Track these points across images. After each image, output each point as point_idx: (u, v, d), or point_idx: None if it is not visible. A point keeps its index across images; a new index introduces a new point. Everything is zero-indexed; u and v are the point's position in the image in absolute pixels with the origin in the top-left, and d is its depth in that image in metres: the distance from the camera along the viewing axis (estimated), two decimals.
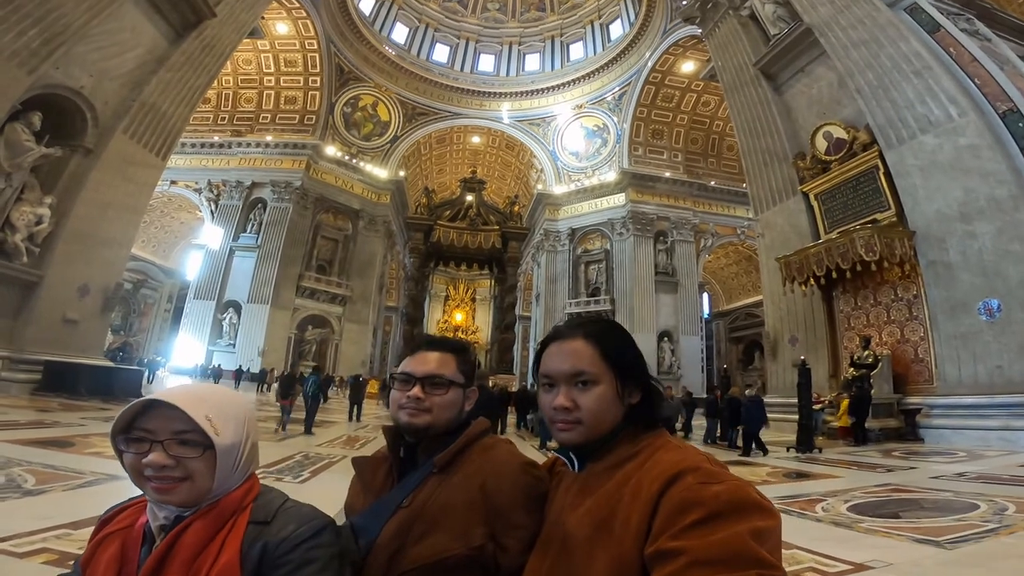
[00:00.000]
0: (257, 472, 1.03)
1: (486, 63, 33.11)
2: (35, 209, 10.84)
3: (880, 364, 10.89)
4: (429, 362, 1.19)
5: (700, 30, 18.58)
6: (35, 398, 10.16)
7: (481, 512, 1.05)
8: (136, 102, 12.70)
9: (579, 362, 0.91)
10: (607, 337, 0.94)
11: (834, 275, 11.48)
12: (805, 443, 9.07)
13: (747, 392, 11.59)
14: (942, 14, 11.01)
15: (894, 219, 11.08)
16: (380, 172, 29.80)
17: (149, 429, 0.89)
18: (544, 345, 0.99)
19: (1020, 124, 8.97)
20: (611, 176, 28.71)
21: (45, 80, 10.65)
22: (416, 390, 1.15)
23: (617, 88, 28.98)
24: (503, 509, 1.05)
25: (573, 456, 0.95)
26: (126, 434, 0.90)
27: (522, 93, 31.86)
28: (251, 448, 0.99)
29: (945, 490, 5.44)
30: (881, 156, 11.32)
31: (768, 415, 12.46)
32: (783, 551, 2.44)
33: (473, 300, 48.21)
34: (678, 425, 11.91)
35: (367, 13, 28.39)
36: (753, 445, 9.52)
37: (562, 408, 0.91)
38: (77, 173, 11.81)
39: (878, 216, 11.41)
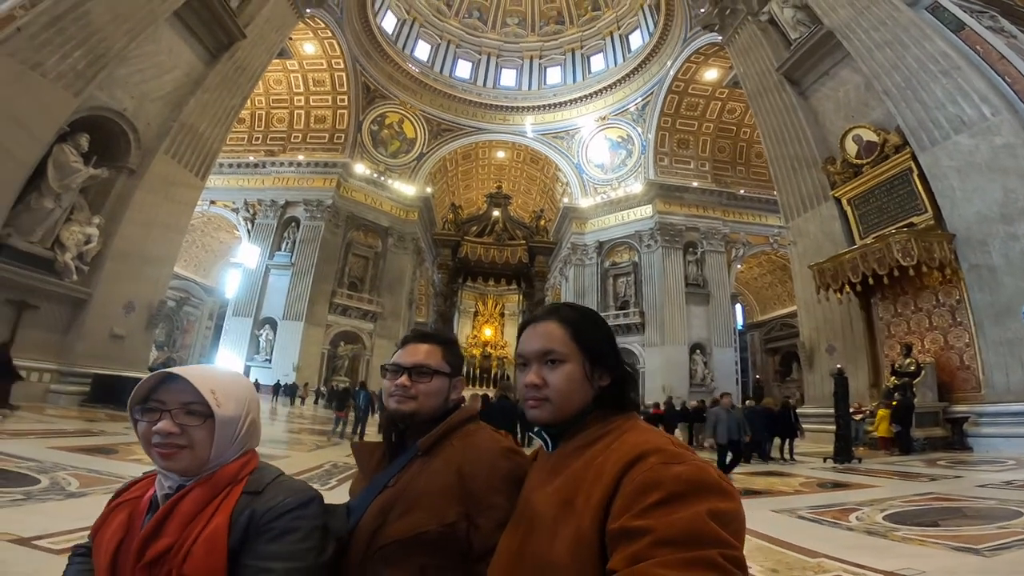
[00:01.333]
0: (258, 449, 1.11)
1: (508, 78, 33.43)
2: (84, 229, 11.33)
3: (924, 372, 10.48)
4: (417, 353, 1.27)
5: (720, 37, 18.44)
6: (84, 409, 10.64)
7: (457, 493, 1.11)
8: (176, 123, 13.25)
9: (549, 342, 0.95)
10: (578, 320, 0.98)
11: (870, 281, 11.06)
12: (843, 453, 8.81)
13: (747, 403, 11.88)
14: (965, 12, 10.71)
15: (931, 222, 10.70)
16: (408, 189, 30.33)
17: (162, 400, 0.98)
18: (522, 329, 1.03)
19: None
20: (637, 188, 28.47)
21: (90, 102, 11.10)
22: (404, 379, 1.23)
23: (640, 98, 28.83)
24: (478, 491, 1.10)
25: (547, 436, 0.98)
26: (143, 404, 0.99)
27: (545, 107, 32.02)
28: (250, 424, 1.06)
29: (990, 498, 5.19)
30: (914, 158, 11.00)
31: (804, 425, 12.38)
32: (810, 559, 2.41)
33: (502, 315, 48.23)
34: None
35: (390, 31, 29.11)
36: (754, 453, 9.84)
37: (531, 385, 0.94)
38: (123, 194, 12.32)
39: (915, 219, 11.05)
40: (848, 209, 12.84)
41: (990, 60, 9.86)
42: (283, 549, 0.93)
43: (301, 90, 27.86)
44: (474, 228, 24.71)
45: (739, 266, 27.99)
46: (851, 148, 12.56)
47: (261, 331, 25.54)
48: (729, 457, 7.84)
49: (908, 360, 10.82)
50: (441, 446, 1.20)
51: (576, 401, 0.93)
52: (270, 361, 24.92)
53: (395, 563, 1.06)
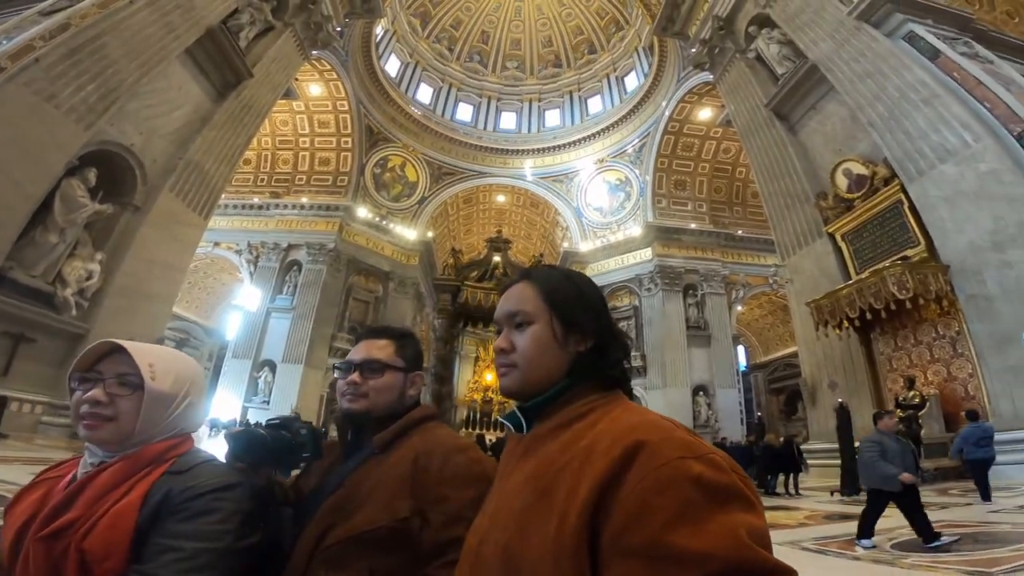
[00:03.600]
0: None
1: (508, 120, 34.21)
2: (86, 265, 11.34)
3: (928, 404, 10.37)
4: (368, 349, 1.25)
5: (711, 76, 18.95)
6: (73, 440, 10.45)
7: (409, 485, 1.06)
8: (182, 160, 13.32)
9: (518, 303, 0.87)
10: (550, 277, 0.90)
11: (868, 316, 11.04)
12: (850, 485, 8.67)
13: (746, 440, 11.75)
14: (939, 39, 10.98)
15: (925, 254, 10.75)
16: (409, 233, 30.64)
17: (100, 371, 0.97)
18: (500, 295, 0.96)
19: None
20: (636, 230, 28.76)
21: (100, 136, 11.16)
22: (354, 376, 1.21)
23: (637, 140, 29.45)
24: (430, 483, 1.06)
25: (520, 415, 0.86)
26: (85, 373, 0.98)
27: (544, 149, 32.63)
28: (187, 407, 1.02)
29: (1003, 523, 5.04)
30: (903, 189, 11.12)
31: (810, 461, 12.28)
32: None
33: None
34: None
35: (393, 74, 29.99)
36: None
37: (500, 350, 0.87)
38: (126, 230, 12.34)
39: (908, 252, 11.10)
40: (842, 245, 12.90)
41: (968, 86, 10.03)
42: (196, 529, 0.88)
43: (306, 131, 28.38)
44: (474, 273, 24.87)
45: (740, 307, 27.90)
46: (841, 182, 12.74)
47: (260, 373, 25.32)
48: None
49: (912, 393, 10.67)
50: (398, 443, 1.16)
51: (545, 367, 0.83)
52: (268, 403, 24.57)
53: (340, 566, 0.99)
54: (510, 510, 0.73)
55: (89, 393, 0.94)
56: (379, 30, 27.77)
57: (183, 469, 0.95)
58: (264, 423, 1.15)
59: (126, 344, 0.96)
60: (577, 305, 0.87)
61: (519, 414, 0.86)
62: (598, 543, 0.60)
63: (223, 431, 18.77)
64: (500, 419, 1.01)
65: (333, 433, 1.70)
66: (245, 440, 1.07)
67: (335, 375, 1.30)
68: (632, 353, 26.95)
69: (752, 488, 0.63)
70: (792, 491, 10.23)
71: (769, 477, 10.58)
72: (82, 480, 0.92)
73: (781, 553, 4.29)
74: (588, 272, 29.94)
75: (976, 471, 7.42)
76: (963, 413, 8.94)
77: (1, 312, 10.03)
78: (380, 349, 1.25)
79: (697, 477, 0.58)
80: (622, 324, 28.45)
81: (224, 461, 1.05)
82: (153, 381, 0.95)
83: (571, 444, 0.73)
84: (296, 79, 21.41)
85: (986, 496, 6.92)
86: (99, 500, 0.89)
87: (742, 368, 29.96)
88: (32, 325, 10.55)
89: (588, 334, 0.85)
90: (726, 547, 0.53)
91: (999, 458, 8.84)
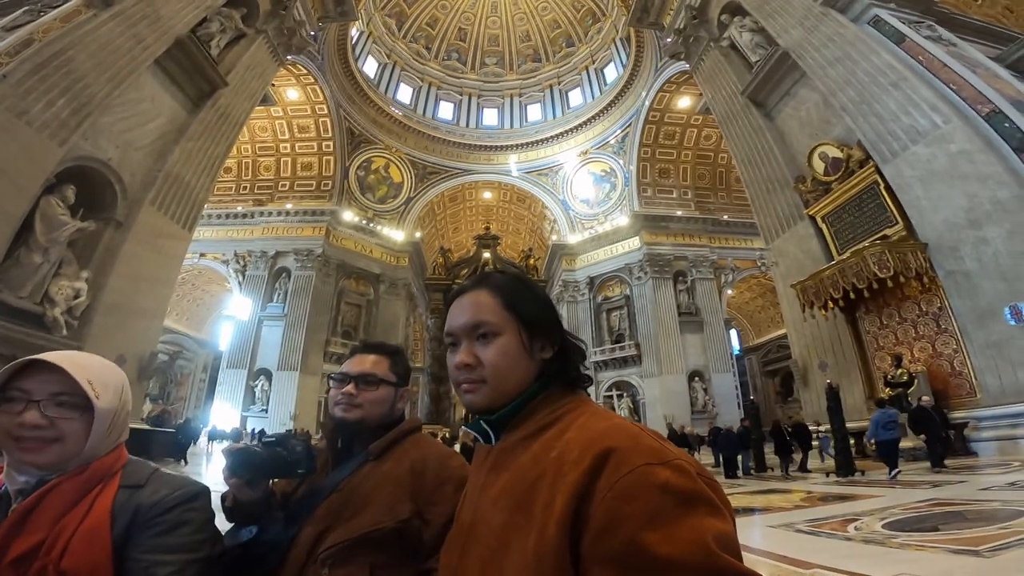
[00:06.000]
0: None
1: (490, 117, 34.10)
2: (73, 283, 11.14)
3: (916, 381, 10.55)
4: (364, 363, 1.32)
5: (688, 65, 18.99)
6: None
7: (408, 489, 1.15)
8: (161, 173, 13.04)
9: (479, 313, 0.83)
10: (510, 285, 0.87)
11: (852, 296, 11.25)
12: (845, 467, 8.74)
13: (741, 424, 12.74)
14: (904, 23, 11.13)
15: (903, 233, 10.94)
16: (397, 235, 30.53)
17: (25, 389, 0.88)
18: (449, 303, 0.90)
19: (1006, 124, 8.88)
20: (623, 220, 28.89)
21: (76, 152, 10.90)
22: (350, 387, 1.27)
23: (619, 131, 29.54)
24: (427, 486, 1.15)
25: (487, 427, 0.84)
26: (0, 394, 0.89)
27: (527, 144, 32.61)
28: (124, 416, 1.00)
29: (993, 500, 5.15)
30: (879, 171, 11.30)
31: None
32: (803, 570, 2.43)
33: None
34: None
35: (371, 76, 29.74)
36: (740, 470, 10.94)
37: (463, 366, 0.81)
38: (110, 246, 12.09)
39: (888, 232, 11.28)
40: (823, 226, 13.09)
41: (933, 69, 10.19)
42: (176, 542, 0.90)
43: (287, 137, 28.06)
44: (464, 271, 24.87)
45: (730, 291, 28.14)
46: (818, 166, 12.90)
47: (256, 382, 25.21)
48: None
49: (900, 370, 10.87)
50: (392, 451, 1.24)
51: (516, 379, 0.81)
52: (267, 411, 24.52)
53: (342, 564, 1.07)
54: (489, 525, 0.72)
55: (24, 417, 0.86)
56: (354, 32, 27.45)
57: (140, 483, 0.95)
58: (261, 440, 1.19)
59: (54, 359, 0.90)
60: (539, 312, 0.85)
61: (485, 425, 0.83)
62: (579, 553, 0.60)
63: (226, 442, 18.73)
64: (465, 428, 0.93)
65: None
66: (241, 457, 1.11)
67: (330, 384, 1.34)
68: (627, 342, 27.36)
69: (720, 493, 0.63)
70: (784, 472, 10.54)
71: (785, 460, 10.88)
72: (32, 500, 0.87)
73: (774, 536, 4.44)
74: (578, 264, 30.18)
75: (884, 451, 8.38)
76: (875, 401, 10.13)
77: None
78: (376, 364, 1.32)
79: (664, 484, 0.58)
80: (615, 314, 28.74)
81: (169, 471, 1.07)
82: (99, 400, 0.91)
83: (541, 456, 0.72)
84: (273, 85, 21.08)
85: (894, 468, 8.00)
86: (60, 520, 0.86)
87: (736, 352, 30.28)
88: (23, 346, 10.33)
89: (551, 340, 0.84)
90: (693, 553, 0.54)
91: (989, 433, 9.11)
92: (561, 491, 0.63)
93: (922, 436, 8.59)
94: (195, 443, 18.31)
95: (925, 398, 9.15)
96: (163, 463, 12.95)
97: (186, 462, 13.77)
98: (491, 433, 0.83)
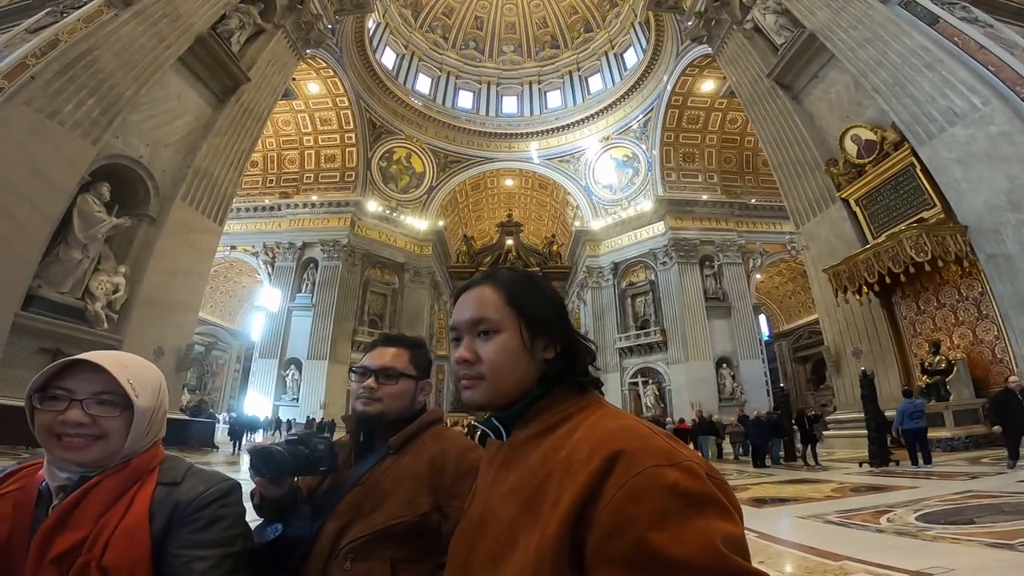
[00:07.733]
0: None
1: (510, 105, 33.77)
2: (111, 278, 11.52)
3: (956, 368, 10.21)
4: (384, 356, 1.33)
5: (710, 48, 18.51)
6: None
7: (427, 483, 1.16)
8: (190, 169, 13.34)
9: (481, 309, 0.82)
10: (515, 282, 0.85)
11: (887, 280, 10.89)
12: (879, 456, 8.55)
13: (756, 414, 12.65)
14: (937, 4, 10.77)
15: (942, 216, 10.55)
16: (420, 224, 30.69)
17: (68, 388, 0.92)
18: (456, 298, 0.90)
19: None
20: (647, 205, 28.41)
21: (108, 150, 11.19)
22: (370, 381, 1.28)
23: (641, 115, 28.98)
24: (447, 480, 1.16)
25: (498, 423, 0.84)
26: (42, 392, 0.92)
27: (548, 131, 32.25)
28: (161, 415, 1.03)
29: None
30: (915, 153, 10.91)
31: (837, 432, 12.41)
32: (832, 562, 2.41)
33: None
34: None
35: (390, 67, 29.78)
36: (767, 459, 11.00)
37: (463, 361, 0.81)
38: (145, 242, 12.44)
39: (924, 214, 10.90)
40: (857, 209, 12.69)
41: (970, 50, 9.85)
42: (213, 537, 0.94)
43: (309, 130, 28.44)
44: (488, 258, 24.85)
45: (759, 276, 27.48)
46: (851, 148, 12.49)
47: (287, 371, 25.89)
48: None
49: (938, 358, 10.53)
50: (412, 444, 1.25)
51: (514, 378, 0.80)
52: (297, 400, 25.20)
53: (364, 558, 1.09)
54: (498, 520, 0.73)
55: (68, 415, 0.90)
56: (371, 24, 27.46)
57: (177, 480, 0.98)
58: (284, 439, 1.22)
59: (96, 359, 0.93)
60: (544, 311, 0.83)
61: (496, 422, 0.84)
62: (583, 553, 0.60)
63: (265, 433, 19.22)
64: (476, 424, 0.94)
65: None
66: (265, 456, 1.14)
67: (351, 378, 1.36)
68: (652, 328, 27.12)
69: (730, 494, 0.62)
70: (813, 462, 10.41)
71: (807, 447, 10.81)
72: (75, 497, 0.90)
73: (803, 527, 4.39)
74: (602, 250, 29.91)
75: (911, 440, 8.32)
76: (903, 390, 9.76)
77: (35, 329, 10.28)
78: (396, 357, 1.32)
79: (673, 485, 0.58)
80: (640, 300, 28.46)
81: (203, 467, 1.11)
82: (138, 399, 0.94)
83: (551, 454, 0.72)
84: (293, 79, 21.29)
85: (928, 460, 7.97)
86: (100, 516, 0.89)
87: (765, 337, 29.60)
88: (67, 340, 10.79)
89: (556, 341, 0.83)
90: (702, 554, 0.54)
91: None
92: (568, 490, 0.63)
93: (996, 428, 7.48)
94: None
95: (1013, 379, 7.76)
96: (200, 451, 13.48)
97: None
98: (502, 429, 0.84)
